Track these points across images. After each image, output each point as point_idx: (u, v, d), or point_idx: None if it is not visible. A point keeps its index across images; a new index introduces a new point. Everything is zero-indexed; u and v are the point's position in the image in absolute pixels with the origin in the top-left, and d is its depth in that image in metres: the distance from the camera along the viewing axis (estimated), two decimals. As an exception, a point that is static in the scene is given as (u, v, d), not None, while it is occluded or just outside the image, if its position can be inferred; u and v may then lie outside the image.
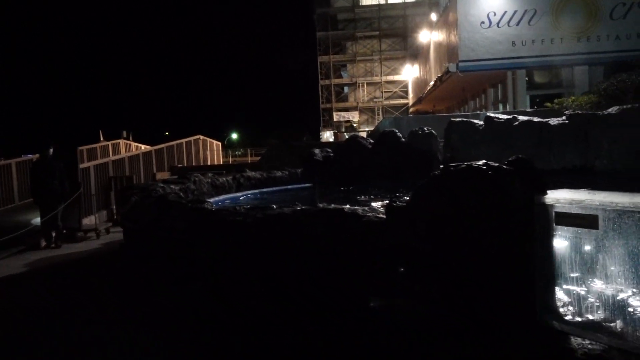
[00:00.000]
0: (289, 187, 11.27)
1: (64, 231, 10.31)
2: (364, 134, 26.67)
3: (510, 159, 3.59)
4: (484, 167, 3.31)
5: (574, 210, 3.12)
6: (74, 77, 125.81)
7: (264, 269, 4.50)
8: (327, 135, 49.64)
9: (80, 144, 19.13)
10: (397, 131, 12.35)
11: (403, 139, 12.04)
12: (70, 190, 10.44)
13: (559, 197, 3.24)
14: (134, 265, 6.81)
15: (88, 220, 11.74)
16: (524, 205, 3.29)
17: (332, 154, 12.45)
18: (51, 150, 10.27)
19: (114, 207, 12.76)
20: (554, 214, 3.23)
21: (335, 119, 53.17)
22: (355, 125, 51.42)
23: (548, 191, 3.39)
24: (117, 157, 15.99)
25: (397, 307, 3.61)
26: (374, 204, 5.46)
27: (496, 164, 3.37)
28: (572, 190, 3.42)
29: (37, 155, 11.17)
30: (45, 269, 7.99)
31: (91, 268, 8.01)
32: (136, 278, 6.44)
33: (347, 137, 16.09)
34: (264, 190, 11.05)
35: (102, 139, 26.91)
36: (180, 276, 5.32)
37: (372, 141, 12.61)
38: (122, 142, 26.17)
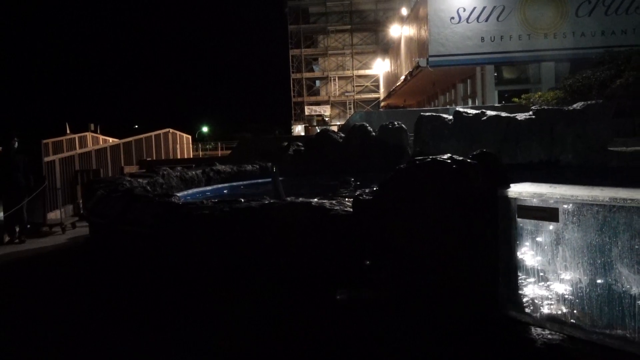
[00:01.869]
0: (260, 180, 11.23)
1: (28, 226, 10.07)
2: (335, 128, 26.73)
3: (474, 153, 3.64)
4: (449, 161, 3.35)
5: (536, 203, 3.18)
6: (39, 68, 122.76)
7: (231, 262, 4.48)
8: (299, 129, 49.61)
9: (46, 137, 18.67)
10: (367, 125, 12.42)
11: (373, 133, 12.11)
12: (34, 184, 10.19)
13: (521, 191, 3.30)
14: (100, 259, 6.70)
15: (53, 215, 11.49)
16: (487, 198, 3.35)
17: (303, 148, 12.46)
18: (16, 142, 10.01)
19: (80, 201, 12.51)
20: (516, 206, 3.29)
21: (306, 113, 53.19)
22: (326, 119, 51.50)
23: (511, 184, 3.45)
24: (83, 150, 15.66)
25: (364, 298, 3.63)
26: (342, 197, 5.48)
27: (460, 158, 3.41)
28: (534, 183, 3.49)
29: (0, 148, 10.85)
30: (10, 265, 7.80)
31: (57, 263, 7.83)
32: (102, 273, 6.33)
33: (318, 131, 16.11)
34: (234, 184, 10.99)
35: (68, 131, 26.32)
36: (146, 270, 5.26)
37: (342, 135, 12.65)
38: (89, 135, 25.61)
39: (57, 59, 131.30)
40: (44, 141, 13.65)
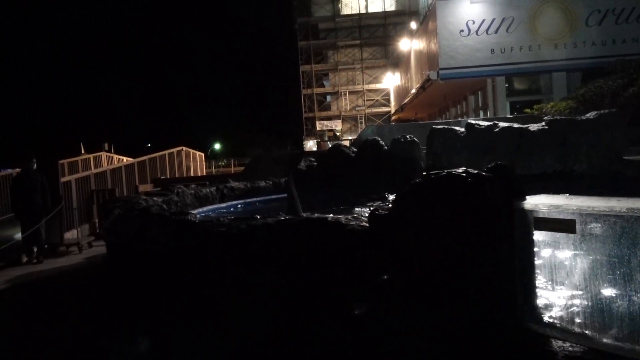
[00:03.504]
0: (274, 196, 11.26)
1: (46, 246, 10.18)
2: (346, 143, 26.80)
3: (489, 166, 3.65)
4: (464, 174, 3.36)
5: (552, 215, 3.18)
6: (53, 89, 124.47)
7: (248, 278, 4.50)
8: (311, 144, 49.72)
9: (61, 157, 18.91)
10: (379, 139, 12.43)
11: (385, 147, 12.12)
12: (51, 205, 10.31)
13: (537, 202, 3.30)
14: (118, 278, 6.76)
15: (70, 235, 11.61)
16: (503, 211, 3.35)
17: (315, 163, 12.50)
18: (34, 164, 10.15)
19: (97, 220, 12.64)
20: (533, 218, 3.29)
21: (318, 128, 53.36)
22: (338, 134, 51.62)
23: (527, 196, 3.45)
24: (99, 170, 15.83)
25: (382, 313, 3.63)
26: (357, 212, 5.49)
27: (475, 171, 3.42)
28: (550, 195, 3.49)
29: (18, 169, 11.01)
30: (28, 285, 7.88)
31: (75, 283, 7.91)
32: (120, 292, 6.38)
33: (330, 146, 16.18)
34: (248, 200, 11.03)
35: (83, 151, 26.69)
36: (164, 288, 5.30)
37: (355, 150, 12.67)
38: (103, 154, 25.95)
39: (72, 80, 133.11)
40: (60, 161, 13.84)
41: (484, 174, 3.43)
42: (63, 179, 11.91)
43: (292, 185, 8.16)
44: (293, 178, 8.40)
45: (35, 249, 9.75)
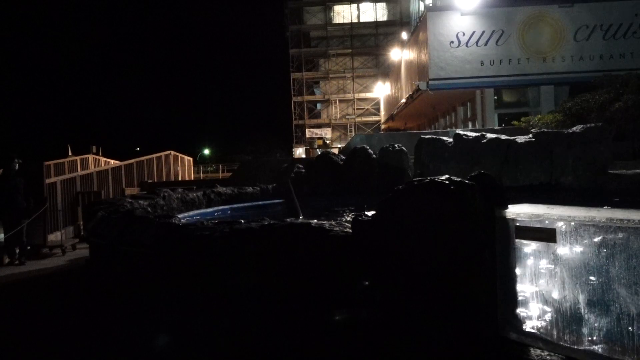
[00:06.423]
0: (261, 202, 11.23)
1: (28, 247, 10.07)
2: (335, 151, 26.87)
3: (472, 174, 3.67)
4: (447, 182, 3.37)
5: (534, 224, 3.20)
6: (41, 90, 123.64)
7: (230, 283, 4.47)
8: (300, 152, 49.83)
9: (48, 159, 18.79)
10: (367, 148, 12.46)
11: (374, 155, 12.14)
12: (35, 206, 10.21)
13: (519, 211, 3.32)
14: (100, 280, 6.69)
15: (54, 237, 11.50)
16: (485, 219, 3.36)
17: (303, 170, 12.49)
18: (16, 164, 10.06)
19: (81, 223, 12.53)
20: (514, 227, 3.30)
21: (307, 136, 53.46)
22: (327, 141, 51.75)
23: (509, 205, 3.47)
24: (85, 172, 15.70)
25: (361, 318, 3.63)
26: (342, 219, 5.49)
27: (458, 179, 3.43)
28: (531, 204, 3.51)
29: (1, 170, 10.90)
30: (9, 286, 7.79)
31: (56, 286, 7.82)
32: (101, 295, 6.32)
33: (319, 153, 16.19)
34: (235, 206, 10.98)
35: (70, 153, 26.49)
36: (146, 290, 5.25)
37: (343, 157, 12.69)
38: (91, 157, 25.77)
39: (59, 82, 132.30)
40: (46, 163, 13.72)
41: (466, 182, 3.45)
42: (48, 181, 11.81)
43: (292, 190, 8.22)
44: (287, 184, 8.45)
45: (17, 250, 9.64)
